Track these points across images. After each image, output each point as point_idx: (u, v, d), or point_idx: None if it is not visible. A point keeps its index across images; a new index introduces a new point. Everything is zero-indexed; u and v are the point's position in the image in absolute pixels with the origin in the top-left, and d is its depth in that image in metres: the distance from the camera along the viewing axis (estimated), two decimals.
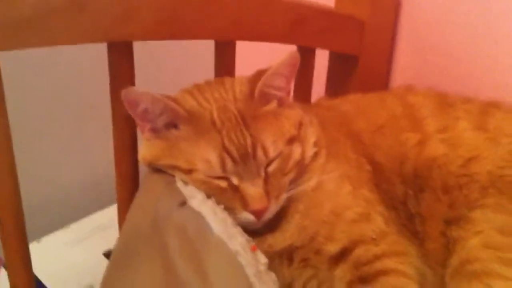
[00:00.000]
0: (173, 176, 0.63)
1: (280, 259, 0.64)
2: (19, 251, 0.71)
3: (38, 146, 1.08)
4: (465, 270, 0.61)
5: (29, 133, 0.92)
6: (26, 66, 0.95)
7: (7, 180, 0.66)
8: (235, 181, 0.61)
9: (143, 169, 0.72)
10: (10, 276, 0.72)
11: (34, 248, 0.83)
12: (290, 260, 0.65)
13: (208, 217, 0.58)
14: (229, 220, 0.59)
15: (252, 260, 0.56)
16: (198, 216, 0.58)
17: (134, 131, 0.74)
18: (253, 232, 0.62)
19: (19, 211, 0.69)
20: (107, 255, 1.00)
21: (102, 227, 1.08)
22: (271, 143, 0.62)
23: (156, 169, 0.65)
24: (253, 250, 0.58)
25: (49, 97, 1.09)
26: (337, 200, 0.65)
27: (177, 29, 0.72)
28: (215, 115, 0.62)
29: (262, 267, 0.57)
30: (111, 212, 1.06)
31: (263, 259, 0.58)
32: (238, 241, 0.57)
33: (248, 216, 0.61)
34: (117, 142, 0.75)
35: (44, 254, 1.01)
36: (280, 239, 0.64)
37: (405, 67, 0.99)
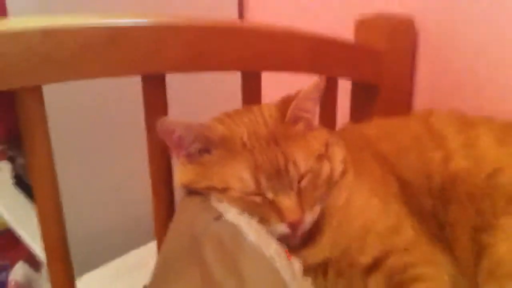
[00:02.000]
0: (208, 195, 0.67)
1: (315, 273, 0.66)
2: (65, 284, 0.75)
3: (76, 184, 1.11)
4: (495, 273, 0.62)
5: (67, 171, 0.97)
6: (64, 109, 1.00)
7: (55, 221, 0.71)
8: (269, 195, 0.64)
9: (178, 198, 0.76)
10: None
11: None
12: (325, 273, 0.67)
13: (243, 227, 0.61)
14: (263, 230, 0.62)
15: (287, 266, 0.58)
16: (234, 227, 0.61)
17: (169, 160, 0.78)
18: (288, 248, 0.64)
19: (66, 250, 0.73)
20: None
21: (141, 263, 1.09)
22: (302, 160, 0.65)
23: (192, 192, 0.69)
24: (288, 257, 0.60)
25: (87, 132, 1.13)
26: (367, 214, 0.67)
27: (205, 62, 0.76)
28: (245, 137, 0.66)
29: (298, 272, 0.59)
30: (150, 248, 1.09)
31: (298, 265, 0.60)
32: (273, 248, 0.60)
33: (284, 229, 0.63)
34: (153, 171, 0.78)
35: None
36: (313, 253, 0.66)
37: (426, 93, 1.03)
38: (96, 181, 1.18)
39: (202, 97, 1.23)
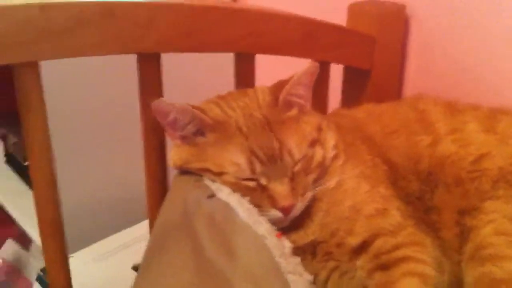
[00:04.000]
0: (201, 175, 0.68)
1: (303, 254, 0.68)
2: (59, 262, 0.77)
3: (70, 163, 1.10)
4: (478, 255, 0.64)
5: (61, 151, 0.97)
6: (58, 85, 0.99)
7: (50, 198, 0.72)
8: (263, 181, 0.65)
9: (171, 177, 0.77)
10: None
11: None
12: (313, 254, 0.69)
13: (235, 206, 0.63)
14: (254, 210, 0.64)
15: (277, 244, 0.60)
16: (226, 205, 0.63)
17: (163, 140, 0.79)
18: (278, 230, 0.66)
19: (60, 227, 0.74)
20: (136, 268, 1.02)
21: (131, 243, 1.11)
22: (296, 146, 0.66)
23: (185, 172, 0.70)
24: (278, 236, 0.62)
25: (82, 113, 1.14)
26: (356, 197, 0.69)
27: (197, 41, 0.77)
28: (241, 121, 0.67)
29: (287, 250, 0.61)
30: (142, 227, 1.09)
31: (287, 244, 0.62)
32: (263, 227, 0.62)
33: (276, 213, 0.65)
34: (146, 150, 0.79)
35: (75, 269, 1.04)
36: (303, 235, 0.68)
37: (415, 79, 1.04)
38: (89, 161, 1.19)
39: (196, 79, 1.23)
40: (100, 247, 1.12)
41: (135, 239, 1.12)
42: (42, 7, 0.64)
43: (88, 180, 1.20)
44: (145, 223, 0.88)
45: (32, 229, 1.24)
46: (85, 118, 1.15)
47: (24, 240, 1.43)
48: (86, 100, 1.14)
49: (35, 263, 1.38)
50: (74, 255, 1.07)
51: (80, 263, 1.06)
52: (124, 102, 0.92)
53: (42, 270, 1.08)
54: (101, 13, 0.68)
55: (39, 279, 1.08)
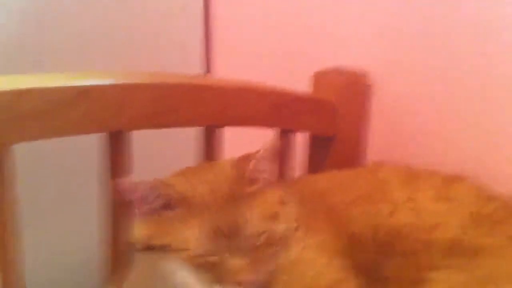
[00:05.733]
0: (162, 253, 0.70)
1: None
2: None
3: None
4: None
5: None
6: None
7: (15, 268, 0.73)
8: (225, 256, 0.68)
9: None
10: None
11: None
12: None
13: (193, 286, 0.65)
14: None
15: None
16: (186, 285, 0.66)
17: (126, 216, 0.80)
18: None
19: None
20: None
21: None
22: (258, 220, 0.69)
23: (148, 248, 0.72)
24: None
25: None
26: (315, 269, 0.73)
27: (167, 118, 0.82)
28: (206, 196, 0.70)
29: None
30: None
31: None
32: None
33: None
34: (112, 225, 0.81)
35: None
36: None
37: (379, 144, 1.09)
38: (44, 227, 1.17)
39: (160, 151, 1.26)
40: None
41: None
42: (20, 92, 0.68)
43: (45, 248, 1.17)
44: None
45: None
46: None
47: None
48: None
49: None
50: None
51: None
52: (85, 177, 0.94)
53: None
54: (73, 97, 0.72)
55: None
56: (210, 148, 0.89)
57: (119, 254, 0.82)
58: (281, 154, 0.96)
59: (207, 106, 0.86)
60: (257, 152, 0.73)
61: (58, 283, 1.20)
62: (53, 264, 1.21)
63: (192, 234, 0.68)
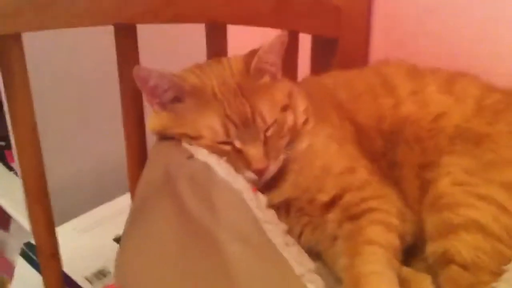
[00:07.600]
0: (179, 139, 0.72)
1: (278, 212, 0.72)
2: (46, 228, 0.80)
3: (53, 137, 1.10)
4: (437, 204, 0.70)
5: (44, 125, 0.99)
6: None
7: (36, 168, 0.75)
8: (238, 144, 0.70)
9: (150, 146, 0.80)
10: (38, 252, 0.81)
11: None
12: (287, 211, 0.74)
13: (213, 165, 0.67)
14: (231, 168, 0.68)
15: (253, 197, 0.66)
16: (205, 164, 0.68)
17: (141, 110, 0.82)
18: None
19: (47, 198, 0.78)
20: (118, 240, 1.05)
21: (112, 215, 1.14)
22: (268, 111, 0.71)
23: (163, 138, 0.74)
24: (254, 191, 0.67)
25: (64, 87, 1.16)
26: (326, 157, 0.74)
27: (172, 13, 0.80)
28: (216, 88, 0.71)
29: (263, 203, 0.66)
30: (121, 201, 1.13)
31: (262, 197, 0.67)
32: (240, 183, 0.66)
33: (250, 175, 0.69)
34: (126, 118, 0.82)
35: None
36: (277, 194, 0.73)
37: (381, 46, 1.09)
38: (70, 135, 1.21)
39: (170, 51, 1.25)
40: (83, 220, 1.14)
41: (116, 211, 1.14)
42: None
43: (70, 155, 1.22)
44: (126, 197, 0.91)
45: (11, 208, 1.26)
46: (68, 93, 1.17)
47: (3, 221, 1.44)
48: (67, 72, 1.15)
49: (15, 243, 1.39)
50: (57, 228, 1.09)
51: (64, 235, 1.08)
52: (104, 74, 0.94)
53: (26, 244, 1.09)
54: None
55: (23, 253, 1.10)
56: (212, 48, 0.88)
57: (133, 147, 0.84)
58: (286, 56, 0.95)
59: (211, 1, 0.84)
60: (264, 45, 0.72)
61: (82, 188, 1.24)
62: (76, 172, 1.25)
63: (205, 123, 0.70)
